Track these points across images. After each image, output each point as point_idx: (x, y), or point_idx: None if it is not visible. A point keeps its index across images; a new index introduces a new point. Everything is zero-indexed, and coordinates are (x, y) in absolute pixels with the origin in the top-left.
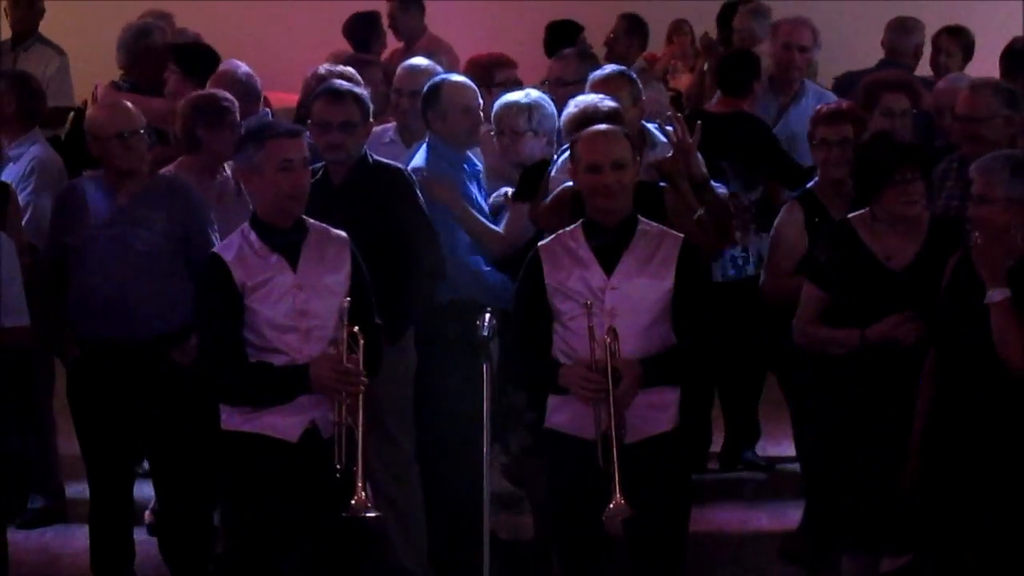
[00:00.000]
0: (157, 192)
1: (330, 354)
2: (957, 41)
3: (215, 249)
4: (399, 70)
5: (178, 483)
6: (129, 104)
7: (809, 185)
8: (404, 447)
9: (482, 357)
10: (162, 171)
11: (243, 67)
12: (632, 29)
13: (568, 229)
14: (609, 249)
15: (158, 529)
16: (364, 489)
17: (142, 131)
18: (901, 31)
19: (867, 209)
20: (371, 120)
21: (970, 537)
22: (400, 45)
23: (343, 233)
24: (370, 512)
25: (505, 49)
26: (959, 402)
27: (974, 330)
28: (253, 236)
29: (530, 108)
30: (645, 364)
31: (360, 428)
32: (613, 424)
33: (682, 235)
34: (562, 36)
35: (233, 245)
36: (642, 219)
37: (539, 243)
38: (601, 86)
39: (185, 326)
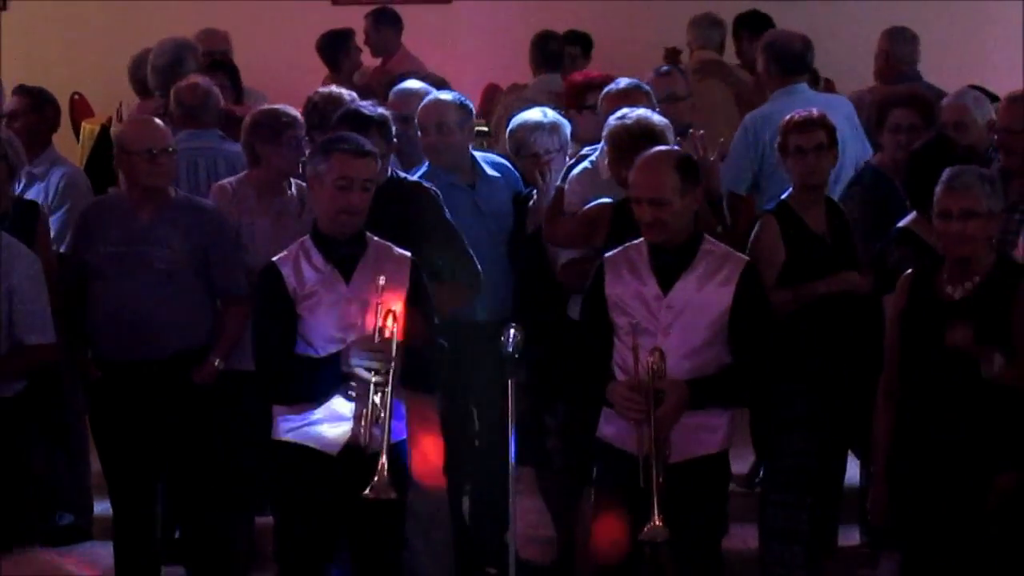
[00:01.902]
0: (179, 211)
1: (364, 334)
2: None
3: (274, 259)
4: (392, 95)
5: (199, 501)
6: (159, 121)
7: (783, 196)
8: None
9: (507, 373)
10: (223, 182)
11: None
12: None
13: (635, 243)
14: (671, 267)
15: (178, 547)
16: (386, 470)
17: (170, 149)
18: (902, 40)
19: (915, 215)
20: (394, 140)
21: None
22: (378, 62)
23: (407, 252)
24: (391, 494)
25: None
26: (927, 419)
27: (935, 347)
28: (311, 246)
29: (557, 127)
30: (692, 385)
31: (387, 409)
32: (654, 446)
33: (747, 257)
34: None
35: (290, 255)
36: (708, 238)
37: (606, 254)
38: (619, 99)
39: (205, 345)
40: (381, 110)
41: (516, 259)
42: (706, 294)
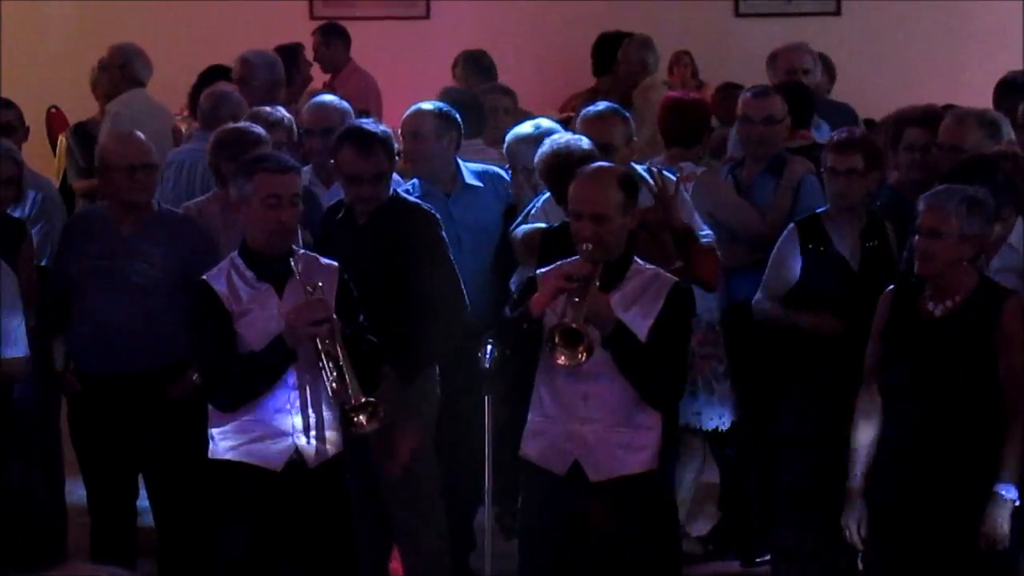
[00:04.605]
0: (159, 226)
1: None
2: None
3: (205, 276)
4: (305, 109)
5: (178, 514)
6: (142, 136)
7: (819, 210)
8: (428, 486)
9: (484, 389)
10: (190, 204)
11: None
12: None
13: (569, 260)
14: (602, 287)
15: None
16: (358, 391)
17: (153, 165)
18: (796, 50)
19: None
20: (396, 160)
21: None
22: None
23: (334, 262)
24: (364, 422)
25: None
26: (906, 436)
27: (915, 363)
28: (242, 264)
29: (540, 141)
30: (618, 324)
31: (343, 355)
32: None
33: (675, 278)
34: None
35: (222, 272)
36: (637, 260)
37: (538, 271)
38: (596, 122)
39: (183, 360)
40: (384, 127)
41: (498, 269)
42: (633, 314)
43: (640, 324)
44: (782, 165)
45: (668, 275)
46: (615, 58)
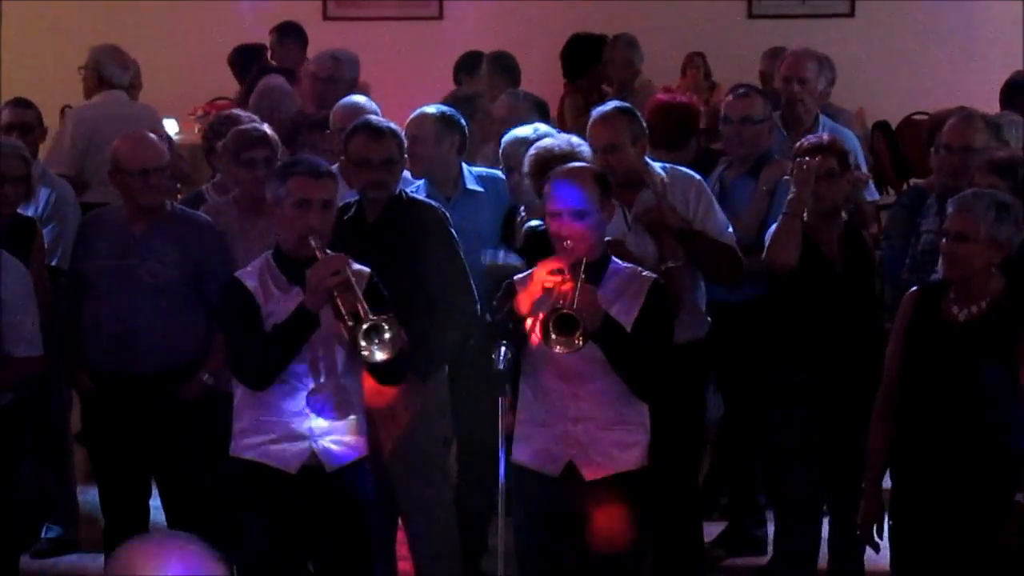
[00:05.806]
0: (173, 226)
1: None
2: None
3: (236, 274)
4: (336, 108)
5: (190, 514)
6: (155, 138)
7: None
8: (439, 486)
9: (497, 391)
10: (211, 202)
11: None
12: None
13: (551, 258)
14: None
15: None
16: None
17: (166, 168)
18: (799, 57)
19: None
20: (405, 156)
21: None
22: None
23: (365, 268)
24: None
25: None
26: (925, 439)
27: (940, 366)
28: (274, 266)
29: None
30: (606, 316)
31: (360, 299)
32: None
33: (655, 275)
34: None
35: (255, 271)
36: (615, 260)
37: (515, 277)
38: (599, 123)
39: (193, 361)
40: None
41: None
42: (615, 311)
43: (623, 321)
44: (763, 168)
45: (647, 273)
46: (590, 59)
